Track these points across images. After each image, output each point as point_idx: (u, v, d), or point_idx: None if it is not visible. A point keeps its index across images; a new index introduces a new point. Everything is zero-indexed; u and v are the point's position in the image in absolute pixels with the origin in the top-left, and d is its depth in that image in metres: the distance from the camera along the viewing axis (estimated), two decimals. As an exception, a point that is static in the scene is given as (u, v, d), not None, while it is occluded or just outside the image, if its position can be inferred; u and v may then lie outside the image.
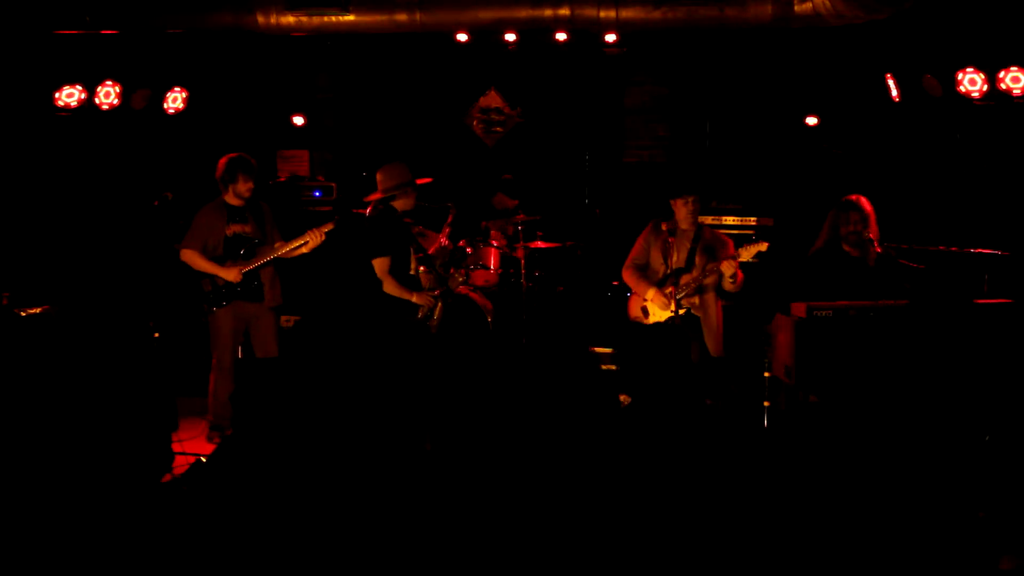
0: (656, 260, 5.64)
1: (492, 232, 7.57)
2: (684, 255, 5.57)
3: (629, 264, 5.76)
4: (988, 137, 7.06)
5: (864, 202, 5.38)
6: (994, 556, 3.33)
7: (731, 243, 5.65)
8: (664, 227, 5.46)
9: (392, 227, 5.52)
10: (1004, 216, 6.71)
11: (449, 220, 6.33)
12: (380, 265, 5.44)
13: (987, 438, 4.49)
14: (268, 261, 5.65)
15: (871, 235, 5.30)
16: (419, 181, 5.64)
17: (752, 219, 7.45)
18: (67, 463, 3.93)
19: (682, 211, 5.58)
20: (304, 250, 5.58)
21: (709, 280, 5.48)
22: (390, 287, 5.44)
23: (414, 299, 5.47)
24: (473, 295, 6.97)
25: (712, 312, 5.56)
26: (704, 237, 5.62)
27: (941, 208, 7.01)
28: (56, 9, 7.03)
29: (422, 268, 5.64)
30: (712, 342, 5.52)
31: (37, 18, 7.08)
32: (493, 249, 7.36)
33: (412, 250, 5.64)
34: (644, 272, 5.69)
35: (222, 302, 5.63)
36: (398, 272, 5.47)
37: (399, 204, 5.60)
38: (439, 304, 5.59)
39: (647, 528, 2.86)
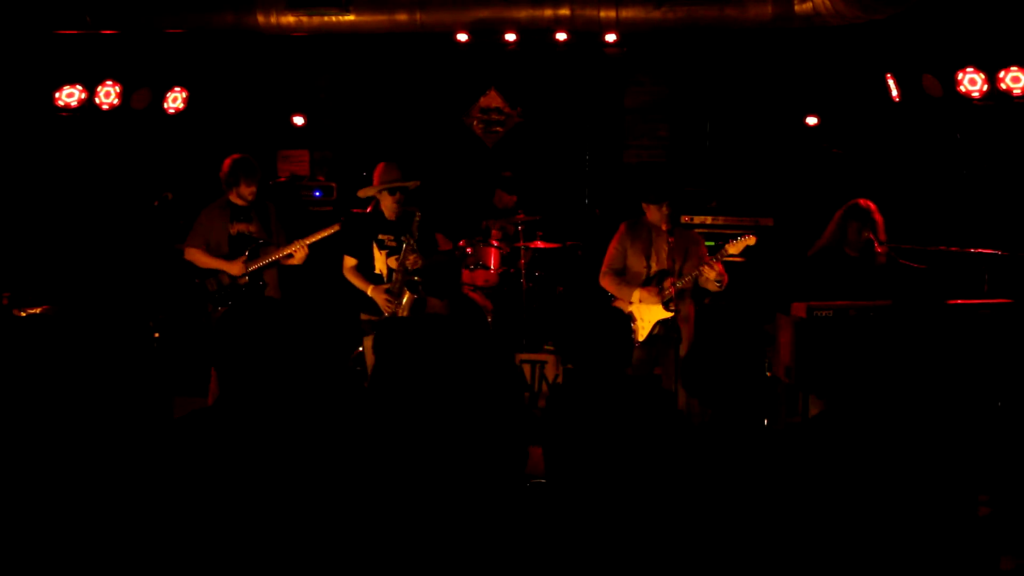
0: (636, 263, 5.49)
1: (492, 232, 7.58)
2: (664, 256, 5.42)
3: (606, 270, 5.55)
4: (988, 137, 7.07)
5: (875, 211, 5.29)
6: (994, 556, 3.34)
7: (702, 241, 5.60)
8: (640, 226, 5.43)
9: (357, 228, 5.69)
10: (1004, 216, 6.72)
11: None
12: (344, 262, 5.73)
13: (987, 437, 4.49)
14: (272, 261, 5.66)
15: (880, 238, 5.26)
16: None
17: (749, 219, 7.45)
18: (66, 463, 3.93)
19: (656, 215, 5.38)
20: (294, 261, 5.61)
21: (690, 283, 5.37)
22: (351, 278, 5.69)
23: (368, 292, 5.59)
24: (473, 295, 6.97)
25: (691, 317, 5.45)
26: (678, 237, 5.40)
27: (941, 208, 7.01)
28: (56, 9, 7.03)
29: (391, 260, 5.61)
30: (687, 347, 5.27)
31: (37, 18, 7.07)
32: (493, 249, 7.37)
33: (376, 248, 5.65)
34: (623, 276, 5.52)
35: (227, 301, 5.63)
36: (363, 270, 5.68)
37: (383, 206, 5.66)
38: (406, 295, 5.58)
39: (645, 528, 2.86)
